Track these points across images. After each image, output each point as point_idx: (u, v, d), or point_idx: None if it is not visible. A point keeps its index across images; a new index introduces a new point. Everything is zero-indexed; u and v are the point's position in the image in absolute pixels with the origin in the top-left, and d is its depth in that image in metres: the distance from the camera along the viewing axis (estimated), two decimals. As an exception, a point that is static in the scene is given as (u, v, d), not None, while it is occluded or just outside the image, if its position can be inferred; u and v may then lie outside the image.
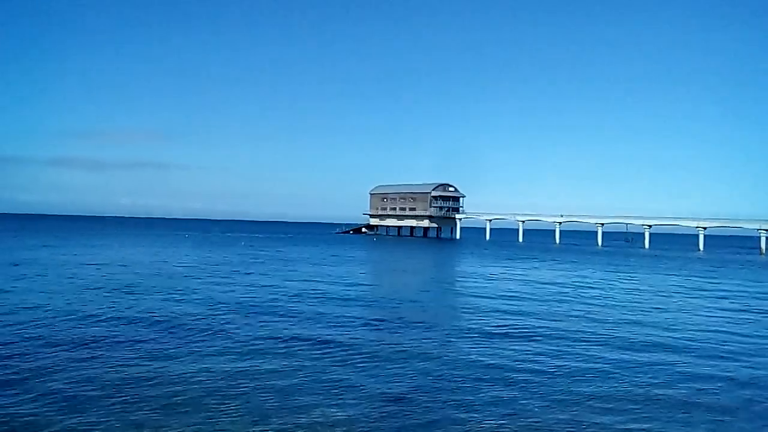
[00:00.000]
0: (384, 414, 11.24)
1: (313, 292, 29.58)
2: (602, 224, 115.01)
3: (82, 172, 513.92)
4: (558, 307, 26.71)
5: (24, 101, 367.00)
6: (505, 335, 19.43)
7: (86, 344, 16.13)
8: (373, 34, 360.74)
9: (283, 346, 16.77)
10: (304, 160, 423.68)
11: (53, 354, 14.89)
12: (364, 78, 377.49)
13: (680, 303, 29.70)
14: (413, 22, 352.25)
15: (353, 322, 21.19)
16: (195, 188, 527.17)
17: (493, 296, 30.01)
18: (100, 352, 15.28)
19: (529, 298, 29.49)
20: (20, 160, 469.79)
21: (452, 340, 18.56)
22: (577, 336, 19.61)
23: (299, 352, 16.08)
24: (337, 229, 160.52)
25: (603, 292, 33.11)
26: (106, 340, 16.73)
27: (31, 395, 11.59)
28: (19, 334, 17.15)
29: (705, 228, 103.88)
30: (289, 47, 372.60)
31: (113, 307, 22.62)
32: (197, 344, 16.61)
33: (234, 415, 10.92)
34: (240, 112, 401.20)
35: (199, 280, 33.00)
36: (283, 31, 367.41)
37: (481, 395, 12.61)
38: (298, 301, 26.00)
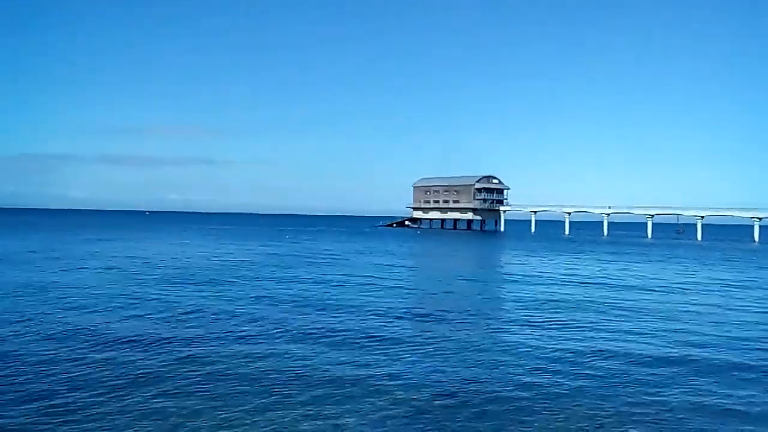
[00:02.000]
0: (437, 407, 11.34)
1: (358, 284, 29.90)
2: (652, 215, 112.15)
3: (130, 169, 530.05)
4: (603, 301, 26.26)
5: (73, 100, 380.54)
6: (552, 327, 19.27)
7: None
8: (412, 29, 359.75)
9: (332, 337, 17.05)
10: (346, 154, 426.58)
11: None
12: (409, 72, 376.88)
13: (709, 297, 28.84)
14: (448, 16, 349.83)
15: (400, 314, 21.33)
16: (240, 183, 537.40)
17: (538, 289, 29.72)
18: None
19: (574, 291, 29.11)
20: (71, 157, 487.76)
21: (499, 332, 18.53)
22: (627, 329, 19.32)
23: (348, 343, 16.33)
24: (381, 222, 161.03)
25: (647, 283, 32.41)
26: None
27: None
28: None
29: (760, 219, 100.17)
30: (331, 43, 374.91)
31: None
32: (254, 333, 17.05)
33: (284, 405, 11.19)
34: (284, 107, 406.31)
35: (250, 273, 33.72)
36: (323, 25, 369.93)
37: (535, 387, 12.59)
38: (346, 293, 26.32)
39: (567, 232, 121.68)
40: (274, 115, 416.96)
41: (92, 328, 17.57)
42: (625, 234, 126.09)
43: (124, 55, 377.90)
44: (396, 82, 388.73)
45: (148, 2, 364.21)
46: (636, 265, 47.21)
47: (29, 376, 12.47)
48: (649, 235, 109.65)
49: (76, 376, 12.60)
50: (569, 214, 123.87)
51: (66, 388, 11.77)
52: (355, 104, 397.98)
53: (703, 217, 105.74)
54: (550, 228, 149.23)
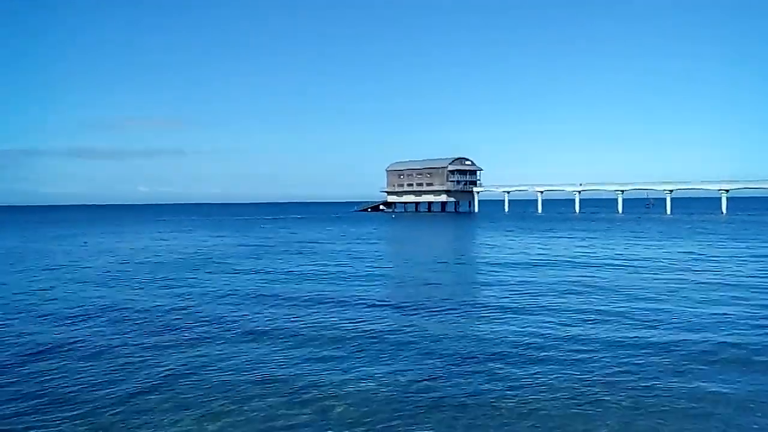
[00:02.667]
0: (413, 395, 11.18)
1: (330, 273, 29.63)
2: (622, 191, 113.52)
3: (100, 162, 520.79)
4: (574, 279, 26.40)
5: (41, 94, 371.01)
6: (524, 310, 19.26)
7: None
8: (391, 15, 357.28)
9: (306, 331, 16.76)
10: (319, 140, 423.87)
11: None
12: (378, 57, 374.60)
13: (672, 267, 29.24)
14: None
15: (374, 302, 21.09)
16: (211, 173, 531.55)
17: (511, 270, 29.80)
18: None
19: (546, 271, 29.25)
20: (40, 152, 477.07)
21: (474, 317, 18.45)
22: (599, 309, 19.39)
23: (322, 336, 16.07)
24: (355, 208, 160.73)
25: (617, 260, 32.73)
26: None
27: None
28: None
29: (728, 190, 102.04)
30: (302, 30, 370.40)
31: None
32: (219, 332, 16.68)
33: (263, 404, 10.90)
34: (253, 96, 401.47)
35: (216, 266, 33.18)
36: (295, 15, 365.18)
37: (510, 372, 12.49)
38: (317, 282, 26.03)
39: (540, 210, 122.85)
40: (244, 104, 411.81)
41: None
42: (597, 210, 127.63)
43: (93, 48, 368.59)
44: (368, 67, 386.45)
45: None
46: (606, 241, 47.70)
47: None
48: (620, 211, 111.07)
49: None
50: (541, 193, 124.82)
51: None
52: (326, 90, 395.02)
53: (671, 191, 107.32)
54: (522, 207, 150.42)
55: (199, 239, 57.81)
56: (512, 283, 25.43)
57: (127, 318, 18.76)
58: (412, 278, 28.11)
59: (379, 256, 39.29)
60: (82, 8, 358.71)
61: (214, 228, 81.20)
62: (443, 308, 19.86)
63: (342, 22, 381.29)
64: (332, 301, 21.36)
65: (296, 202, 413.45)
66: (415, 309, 19.79)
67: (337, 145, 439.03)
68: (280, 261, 35.60)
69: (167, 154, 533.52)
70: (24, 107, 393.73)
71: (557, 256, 36.67)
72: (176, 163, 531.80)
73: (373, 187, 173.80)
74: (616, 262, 32.59)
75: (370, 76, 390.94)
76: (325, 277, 28.26)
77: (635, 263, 32.10)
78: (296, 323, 17.63)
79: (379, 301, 21.51)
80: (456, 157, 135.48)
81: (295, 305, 20.67)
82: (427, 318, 18.35)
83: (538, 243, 47.18)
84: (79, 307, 20.78)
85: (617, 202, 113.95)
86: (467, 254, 41.59)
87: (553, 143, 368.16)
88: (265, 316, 18.71)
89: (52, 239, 59.78)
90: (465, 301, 21.27)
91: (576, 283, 24.93)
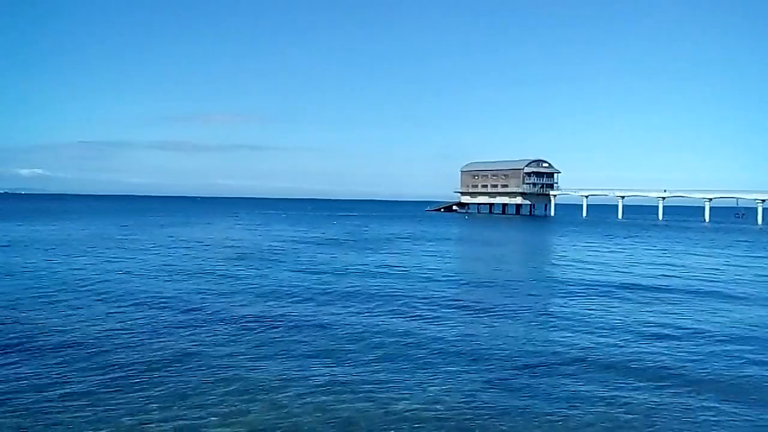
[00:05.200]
0: (474, 403, 11.05)
1: (399, 271, 29.68)
2: (710, 199, 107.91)
3: (182, 155, 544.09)
4: (656, 293, 25.31)
5: (128, 88, 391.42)
6: (601, 323, 18.65)
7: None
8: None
9: (374, 331, 16.89)
10: (394, 138, 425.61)
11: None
12: (455, 55, 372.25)
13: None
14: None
15: (443, 305, 20.79)
16: (284, 168, 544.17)
17: (588, 277, 28.90)
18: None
19: (623, 279, 28.17)
20: (127, 144, 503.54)
21: (541, 326, 18.03)
22: (679, 326, 18.53)
23: (393, 340, 16.13)
24: (428, 207, 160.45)
25: (709, 271, 31.10)
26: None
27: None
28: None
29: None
30: (375, 32, 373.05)
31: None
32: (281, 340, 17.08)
33: (323, 410, 11.10)
34: (331, 93, 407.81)
35: (282, 258, 33.94)
36: (371, 16, 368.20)
37: (575, 385, 12.16)
38: (387, 281, 26.10)
39: (620, 216, 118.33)
40: (321, 101, 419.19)
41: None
42: (682, 219, 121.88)
43: (174, 46, 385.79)
44: (444, 65, 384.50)
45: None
46: (694, 250, 45.48)
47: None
48: (707, 220, 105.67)
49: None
50: (622, 198, 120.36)
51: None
52: (399, 89, 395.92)
53: (764, 200, 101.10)
54: (601, 212, 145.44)
55: (280, 232, 59.24)
56: (590, 293, 24.63)
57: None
58: (487, 281, 27.65)
59: (454, 256, 39.05)
60: (167, 7, 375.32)
61: (290, 222, 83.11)
62: (518, 314, 19.51)
63: (419, 19, 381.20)
64: (405, 300, 21.38)
65: (368, 200, 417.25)
66: (495, 315, 19.51)
67: (409, 144, 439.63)
68: (356, 256, 35.99)
69: (244, 149, 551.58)
70: (112, 101, 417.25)
71: (639, 265, 35.27)
72: (252, 158, 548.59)
73: (445, 187, 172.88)
74: (703, 277, 31.03)
75: (446, 74, 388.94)
76: (398, 275, 28.30)
77: (723, 279, 30.45)
78: (365, 320, 17.80)
79: (451, 302, 21.34)
80: (533, 159, 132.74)
81: (368, 302, 20.88)
82: (502, 323, 18.07)
83: (620, 250, 45.51)
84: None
85: (704, 211, 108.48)
86: (546, 259, 40.58)
87: (636, 147, 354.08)
88: (336, 313, 18.98)
89: (155, 227, 62.93)
90: (543, 311, 20.81)
91: (657, 299, 23.90)
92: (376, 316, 18.36)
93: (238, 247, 41.47)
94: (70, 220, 76.75)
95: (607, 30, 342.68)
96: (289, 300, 20.80)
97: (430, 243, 48.90)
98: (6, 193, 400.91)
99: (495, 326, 17.22)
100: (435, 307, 19.90)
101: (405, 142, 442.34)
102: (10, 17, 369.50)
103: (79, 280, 24.03)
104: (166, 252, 36.70)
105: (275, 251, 38.81)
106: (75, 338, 14.59)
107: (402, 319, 17.85)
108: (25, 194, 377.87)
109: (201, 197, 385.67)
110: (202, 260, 32.59)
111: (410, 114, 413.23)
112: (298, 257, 35.16)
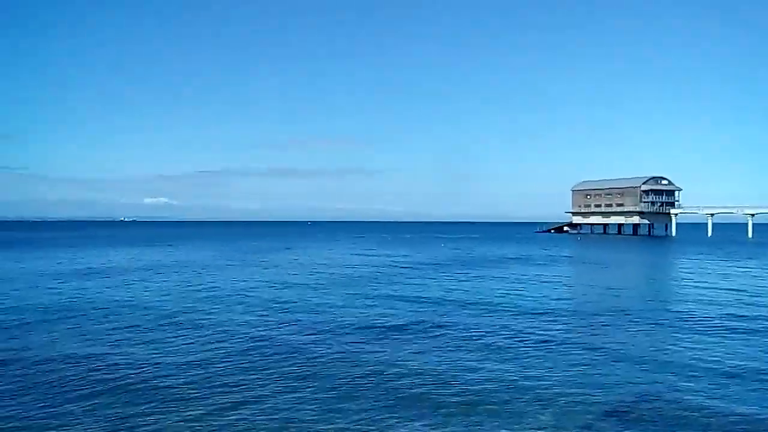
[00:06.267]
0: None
1: (505, 300, 28.01)
2: None
3: (294, 180, 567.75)
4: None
5: (239, 118, 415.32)
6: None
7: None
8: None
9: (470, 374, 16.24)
10: (501, 157, 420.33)
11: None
12: (565, 72, 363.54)
13: None
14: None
15: (553, 341, 18.27)
16: (393, 191, 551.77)
17: (728, 311, 26.26)
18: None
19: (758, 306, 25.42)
20: (240, 172, 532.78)
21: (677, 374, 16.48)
22: None
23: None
24: (538, 228, 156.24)
25: None
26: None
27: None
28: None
29: None
30: (476, 49, 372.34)
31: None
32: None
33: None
34: (433, 113, 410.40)
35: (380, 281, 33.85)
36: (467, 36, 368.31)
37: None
38: (498, 310, 24.77)
39: (750, 235, 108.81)
40: (421, 123, 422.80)
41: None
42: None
43: (283, 74, 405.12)
44: (553, 82, 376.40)
45: (291, 21, 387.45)
46: None
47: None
48: None
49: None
50: (752, 215, 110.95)
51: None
52: (502, 107, 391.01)
53: None
54: (728, 231, 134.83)
55: (386, 255, 59.62)
56: (734, 332, 22.37)
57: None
58: (609, 311, 25.33)
59: (567, 282, 37.16)
60: (272, 35, 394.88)
61: (396, 245, 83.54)
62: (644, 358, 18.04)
63: (518, 35, 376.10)
64: (508, 335, 20.43)
65: (474, 222, 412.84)
66: (617, 356, 18.19)
67: (516, 163, 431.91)
68: (457, 281, 35.31)
69: (350, 173, 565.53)
70: (225, 132, 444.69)
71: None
72: (360, 182, 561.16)
73: (554, 207, 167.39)
74: None
75: (555, 91, 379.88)
76: (505, 306, 26.61)
77: None
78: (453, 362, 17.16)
79: (564, 338, 20.17)
80: (651, 176, 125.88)
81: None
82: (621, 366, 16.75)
83: (764, 275, 41.53)
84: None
85: None
86: (675, 286, 37.70)
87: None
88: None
89: (280, 250, 65.73)
90: (680, 355, 19.15)
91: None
92: (467, 353, 16.69)
93: (347, 269, 42.05)
94: (202, 243, 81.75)
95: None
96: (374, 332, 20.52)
97: (541, 266, 47.13)
98: (134, 220, 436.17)
99: (613, 371, 16.00)
100: (545, 344, 18.05)
101: (512, 161, 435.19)
102: (132, 61, 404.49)
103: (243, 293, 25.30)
104: (306, 271, 39.14)
105: (376, 275, 38.82)
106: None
107: (498, 361, 16.66)
108: (149, 221, 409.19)
109: (310, 221, 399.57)
110: (336, 277, 33.31)
111: (516, 132, 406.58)
112: (398, 281, 34.98)
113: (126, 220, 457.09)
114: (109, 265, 45.05)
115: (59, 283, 32.59)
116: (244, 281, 34.25)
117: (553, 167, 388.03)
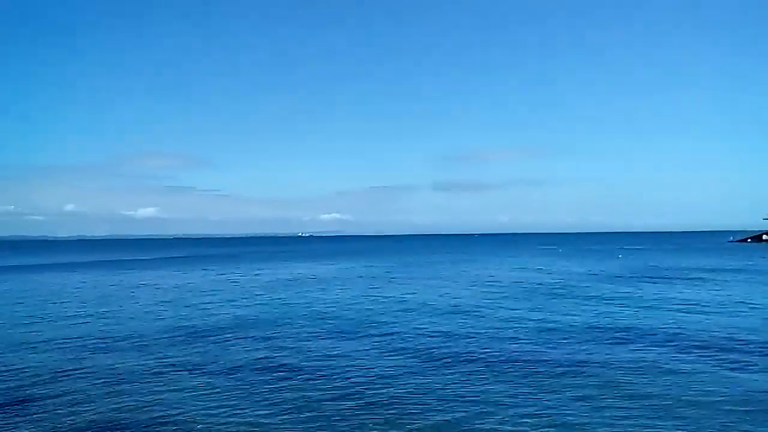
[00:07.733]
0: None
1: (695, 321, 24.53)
2: None
3: (460, 194, 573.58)
4: None
5: (409, 134, 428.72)
6: None
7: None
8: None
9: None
10: (684, 161, 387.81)
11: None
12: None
13: None
14: None
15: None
16: (566, 201, 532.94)
17: None
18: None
19: None
20: (411, 186, 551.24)
21: None
22: None
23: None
24: (730, 237, 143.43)
25: None
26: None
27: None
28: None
29: None
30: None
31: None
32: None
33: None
34: (605, 120, 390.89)
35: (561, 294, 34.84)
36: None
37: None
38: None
39: None
40: (593, 130, 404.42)
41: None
42: None
43: (452, 87, 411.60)
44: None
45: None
46: None
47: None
48: None
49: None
50: None
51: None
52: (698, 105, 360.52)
53: None
54: None
55: (561, 267, 59.20)
56: None
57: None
58: None
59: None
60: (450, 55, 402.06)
61: (568, 257, 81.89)
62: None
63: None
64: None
65: (657, 231, 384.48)
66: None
67: (706, 167, 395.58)
68: (638, 294, 35.33)
69: (520, 184, 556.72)
70: (396, 148, 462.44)
71: None
72: (528, 193, 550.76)
73: (753, 213, 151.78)
74: None
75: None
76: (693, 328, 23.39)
77: None
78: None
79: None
80: None
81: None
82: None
83: None
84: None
85: None
86: None
87: None
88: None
89: (462, 262, 69.03)
90: None
91: None
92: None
93: (521, 283, 43.61)
94: (380, 257, 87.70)
95: None
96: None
97: (746, 283, 41.38)
98: (311, 236, 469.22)
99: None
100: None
101: (695, 164, 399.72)
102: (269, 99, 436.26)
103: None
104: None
105: (554, 288, 38.84)
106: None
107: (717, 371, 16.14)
108: (325, 236, 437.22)
109: (478, 234, 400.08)
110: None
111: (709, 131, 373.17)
112: (571, 294, 35.53)
113: (303, 235, 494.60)
114: (316, 276, 51.30)
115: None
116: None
117: (747, 169, 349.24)
